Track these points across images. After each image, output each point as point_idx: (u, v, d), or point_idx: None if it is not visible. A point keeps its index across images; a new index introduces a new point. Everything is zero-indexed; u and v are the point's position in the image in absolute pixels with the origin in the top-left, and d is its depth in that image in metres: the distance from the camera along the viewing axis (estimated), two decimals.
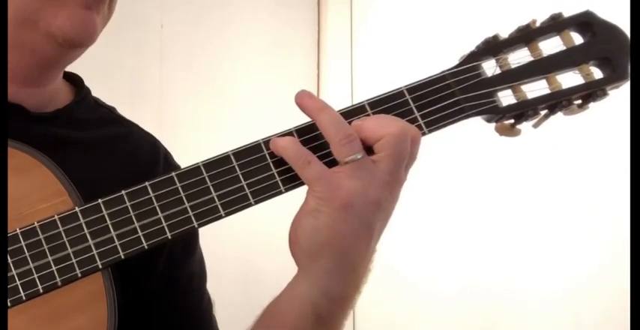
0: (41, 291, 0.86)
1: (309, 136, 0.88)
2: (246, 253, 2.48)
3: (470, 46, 0.91)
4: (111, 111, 1.12)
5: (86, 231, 0.87)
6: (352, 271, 0.89)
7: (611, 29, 0.88)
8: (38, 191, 0.88)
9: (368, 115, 0.89)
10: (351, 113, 0.89)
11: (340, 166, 0.86)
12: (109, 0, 0.98)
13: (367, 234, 0.87)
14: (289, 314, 0.90)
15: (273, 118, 2.80)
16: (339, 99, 2.98)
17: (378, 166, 0.86)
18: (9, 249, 0.87)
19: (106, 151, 1.05)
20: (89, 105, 1.08)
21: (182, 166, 1.08)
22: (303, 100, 0.89)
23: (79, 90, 1.08)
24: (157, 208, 0.87)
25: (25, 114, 0.98)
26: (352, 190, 0.85)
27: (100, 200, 0.87)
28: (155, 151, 1.11)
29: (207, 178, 0.87)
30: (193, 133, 2.60)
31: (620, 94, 0.92)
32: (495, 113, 0.89)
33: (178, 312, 1.07)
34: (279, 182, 0.88)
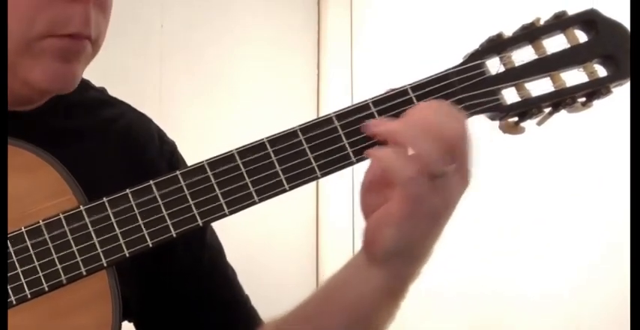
0: (46, 289, 0.87)
1: (312, 133, 0.88)
2: (247, 251, 2.48)
3: (471, 46, 0.91)
4: (101, 92, 1.12)
5: (91, 229, 0.87)
6: (426, 259, 0.93)
7: (616, 27, 0.88)
8: (42, 190, 0.89)
9: (372, 113, 0.88)
10: (355, 112, 0.89)
11: (429, 178, 0.85)
12: (90, 45, 0.96)
13: (440, 232, 0.90)
14: (365, 306, 0.94)
15: (274, 117, 2.80)
16: (339, 99, 2.98)
17: (457, 176, 0.87)
18: (14, 248, 0.87)
19: (100, 136, 1.05)
20: (80, 87, 1.08)
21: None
22: (378, 128, 0.87)
23: None
24: (162, 206, 0.87)
25: (19, 114, 0.98)
26: (440, 205, 0.87)
27: (104, 199, 0.88)
28: (149, 130, 1.12)
29: (211, 176, 0.88)
30: (193, 133, 2.59)
31: (621, 95, 0.93)
32: (499, 111, 0.89)
33: (208, 288, 1.09)
34: (284, 180, 0.88)
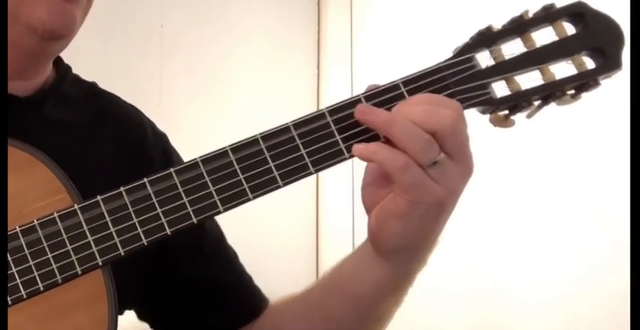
0: (42, 289, 0.87)
1: (305, 129, 0.89)
2: (247, 251, 2.47)
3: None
4: (93, 86, 1.14)
5: (85, 228, 0.87)
6: (432, 249, 0.95)
7: (603, 19, 0.88)
8: (37, 189, 0.89)
9: None
10: (347, 106, 0.89)
11: (425, 169, 0.85)
12: None
13: (449, 216, 0.91)
14: (371, 295, 0.97)
15: (274, 117, 2.80)
16: (339, 99, 2.96)
17: (454, 161, 0.87)
18: (9, 247, 0.87)
19: (94, 128, 1.07)
20: (72, 81, 1.11)
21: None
22: (367, 116, 0.87)
23: (59, 67, 1.10)
24: (156, 203, 0.87)
25: (17, 101, 1.00)
26: (442, 193, 0.86)
27: (98, 197, 0.88)
28: (142, 123, 1.14)
29: (204, 173, 0.88)
30: (193, 133, 2.59)
31: (617, 87, 0.92)
32: (490, 105, 0.89)
33: (212, 272, 1.12)
34: (277, 176, 0.88)
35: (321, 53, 3.16)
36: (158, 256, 1.03)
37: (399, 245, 0.91)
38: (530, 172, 2.49)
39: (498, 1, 2.56)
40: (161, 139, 1.15)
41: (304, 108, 3.03)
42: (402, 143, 0.84)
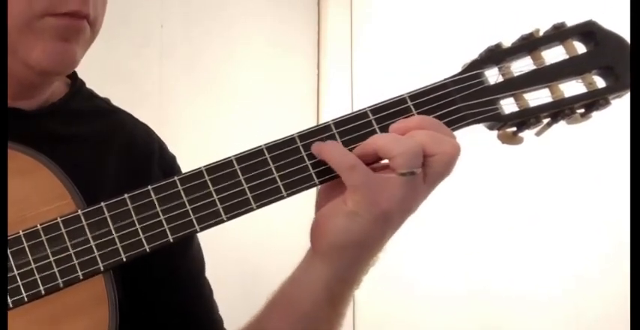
0: (43, 292, 0.87)
1: (311, 140, 0.89)
2: (246, 253, 2.47)
3: (468, 50, 0.92)
4: (106, 102, 1.13)
5: (88, 233, 0.87)
6: (369, 262, 0.94)
7: (614, 39, 0.88)
8: (41, 194, 0.89)
9: (370, 121, 0.89)
10: (353, 119, 0.89)
11: (393, 173, 0.86)
12: (89, 26, 0.97)
13: (392, 235, 0.91)
14: (304, 302, 0.95)
15: (273, 117, 2.80)
16: (339, 99, 2.98)
17: (426, 181, 0.87)
18: (12, 250, 0.87)
19: (101, 144, 1.06)
20: (84, 96, 1.09)
21: (181, 167, 1.10)
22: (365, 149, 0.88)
23: (73, 82, 1.09)
24: (160, 211, 0.88)
25: (21, 113, 0.99)
26: (395, 201, 0.87)
27: (102, 203, 0.88)
28: (150, 141, 1.13)
29: (209, 182, 0.88)
30: (193, 133, 2.60)
31: (623, 101, 0.93)
32: (497, 121, 0.89)
33: (181, 300, 1.09)
34: (281, 187, 0.88)
35: (321, 53, 3.16)
36: (133, 275, 1.00)
37: (338, 242, 0.90)
38: (533, 174, 2.50)
39: (494, 2, 2.57)
40: (169, 159, 1.13)
41: (304, 108, 3.03)
42: (387, 146, 0.86)
